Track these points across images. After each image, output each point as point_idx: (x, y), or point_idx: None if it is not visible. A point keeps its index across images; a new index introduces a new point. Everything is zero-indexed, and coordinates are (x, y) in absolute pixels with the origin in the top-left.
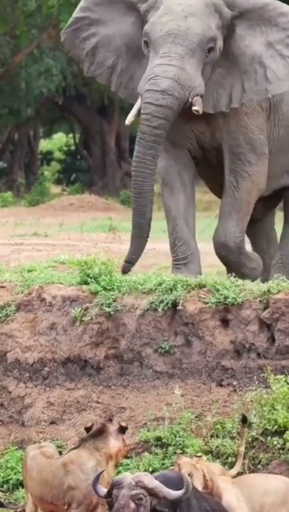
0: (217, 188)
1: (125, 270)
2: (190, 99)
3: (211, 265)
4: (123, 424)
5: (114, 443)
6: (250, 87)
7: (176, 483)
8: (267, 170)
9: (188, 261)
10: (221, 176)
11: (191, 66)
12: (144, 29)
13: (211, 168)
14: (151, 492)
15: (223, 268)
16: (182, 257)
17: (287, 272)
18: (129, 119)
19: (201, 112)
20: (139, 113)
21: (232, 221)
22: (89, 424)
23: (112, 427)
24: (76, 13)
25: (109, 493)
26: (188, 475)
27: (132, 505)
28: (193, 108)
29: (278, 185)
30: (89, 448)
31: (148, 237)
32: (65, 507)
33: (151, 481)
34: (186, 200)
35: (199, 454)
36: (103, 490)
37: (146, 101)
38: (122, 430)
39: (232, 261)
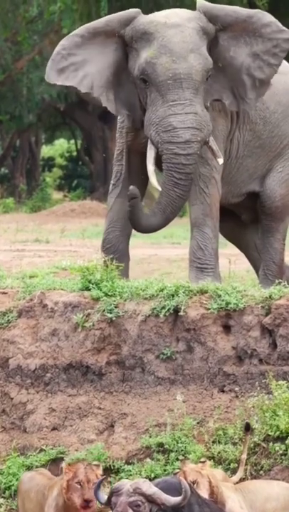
0: None
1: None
2: (207, 139)
3: None
4: (95, 463)
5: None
6: (240, 96)
7: (177, 488)
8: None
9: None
10: None
11: (200, 104)
12: (142, 67)
13: None
14: (150, 498)
15: (225, 274)
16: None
17: (271, 283)
18: (152, 172)
19: (222, 161)
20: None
21: (207, 227)
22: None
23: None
24: (57, 63)
25: (108, 500)
26: (194, 483)
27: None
28: (219, 161)
29: (247, 191)
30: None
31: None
32: None
33: (149, 488)
34: None
35: (203, 459)
36: (104, 497)
37: (172, 152)
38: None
39: (209, 266)
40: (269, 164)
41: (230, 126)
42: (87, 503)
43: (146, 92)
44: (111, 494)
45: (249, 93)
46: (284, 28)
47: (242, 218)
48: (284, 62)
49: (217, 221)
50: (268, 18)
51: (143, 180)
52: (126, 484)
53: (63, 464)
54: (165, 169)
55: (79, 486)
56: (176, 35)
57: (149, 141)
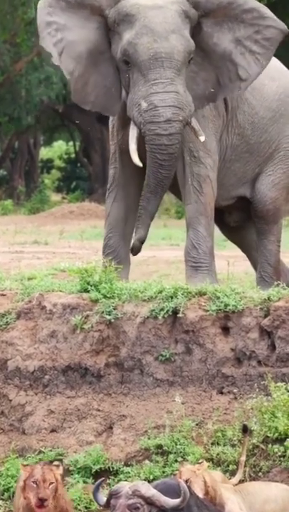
0: (175, 190)
1: (137, 250)
2: (189, 119)
3: None
4: (56, 463)
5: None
6: (225, 83)
7: (176, 490)
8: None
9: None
10: (179, 181)
11: (181, 85)
12: (124, 48)
13: None
14: (149, 501)
15: (224, 275)
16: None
17: (267, 284)
18: (133, 150)
19: (204, 139)
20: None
21: (201, 226)
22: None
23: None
24: (44, 16)
25: (107, 503)
26: (186, 481)
27: None
28: (201, 139)
29: (237, 195)
30: None
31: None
32: None
33: (148, 490)
34: (127, 209)
35: (201, 461)
36: (103, 499)
37: (154, 132)
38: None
39: (203, 265)
40: (258, 169)
41: (223, 127)
42: (41, 502)
43: (128, 74)
44: (110, 496)
45: (233, 81)
46: (268, 15)
47: (226, 219)
48: (274, 67)
49: (211, 219)
50: (251, 4)
51: (139, 184)
52: (125, 486)
53: (20, 464)
54: (148, 150)
55: (35, 485)
56: (157, 16)
57: (131, 122)
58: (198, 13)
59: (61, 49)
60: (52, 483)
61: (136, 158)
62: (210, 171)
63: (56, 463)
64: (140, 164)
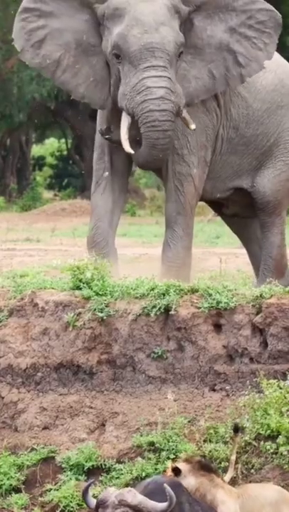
0: None
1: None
2: (181, 107)
3: (203, 270)
4: None
5: None
6: (221, 74)
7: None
8: (205, 174)
9: (104, 256)
10: (163, 178)
11: (173, 76)
12: (114, 41)
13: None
14: (136, 508)
15: (216, 273)
16: (100, 253)
17: (266, 278)
18: (125, 143)
19: (195, 127)
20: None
21: (178, 225)
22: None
23: None
24: (27, 2)
25: (96, 509)
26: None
27: None
28: (191, 127)
29: (233, 186)
30: None
31: None
32: None
33: (134, 498)
34: (113, 203)
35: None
36: (93, 502)
37: (147, 110)
38: None
39: (176, 264)
40: (256, 162)
41: (217, 122)
42: None
43: (118, 68)
44: (97, 505)
45: (232, 69)
46: None
47: (223, 210)
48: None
49: (191, 218)
50: None
51: (124, 179)
52: (111, 495)
53: None
54: (142, 132)
55: None
56: (147, 8)
57: (123, 113)
58: (188, 9)
59: (43, 36)
60: None
61: (127, 146)
62: (192, 169)
63: None
64: (132, 151)
